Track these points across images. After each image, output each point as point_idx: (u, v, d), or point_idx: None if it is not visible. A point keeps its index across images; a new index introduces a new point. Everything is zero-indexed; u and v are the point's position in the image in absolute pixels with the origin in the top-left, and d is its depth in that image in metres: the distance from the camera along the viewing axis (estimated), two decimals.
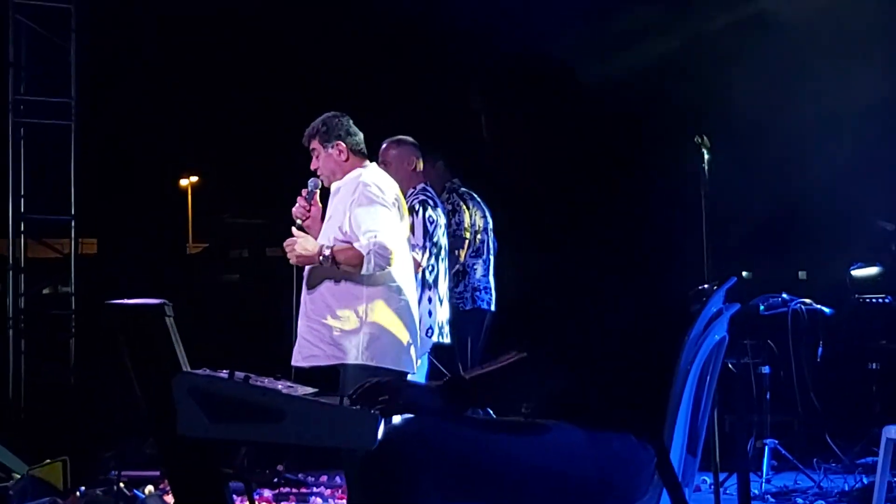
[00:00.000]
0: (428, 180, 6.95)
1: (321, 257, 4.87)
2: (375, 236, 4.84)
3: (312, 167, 5.22)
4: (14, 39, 9.50)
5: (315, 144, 5.20)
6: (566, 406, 2.75)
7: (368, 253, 4.80)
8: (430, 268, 6.36)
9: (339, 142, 5.16)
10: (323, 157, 5.18)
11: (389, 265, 4.88)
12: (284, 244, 5.00)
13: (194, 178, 27.20)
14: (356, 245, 4.87)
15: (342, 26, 11.30)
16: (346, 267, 4.89)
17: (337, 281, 4.99)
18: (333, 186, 5.21)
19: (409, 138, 6.38)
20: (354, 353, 4.93)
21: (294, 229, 5.07)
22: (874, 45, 8.72)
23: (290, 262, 5.04)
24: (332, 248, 4.89)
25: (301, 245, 4.94)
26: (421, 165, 6.44)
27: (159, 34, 11.31)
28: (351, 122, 5.23)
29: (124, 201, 14.75)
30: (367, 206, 4.94)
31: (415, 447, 2.65)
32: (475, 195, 7.41)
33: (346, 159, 5.18)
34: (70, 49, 9.60)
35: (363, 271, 4.86)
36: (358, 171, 5.15)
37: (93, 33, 9.80)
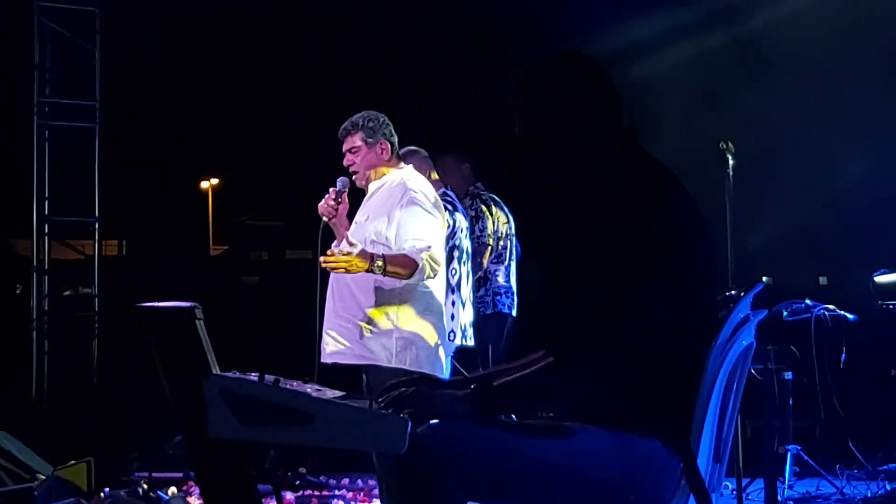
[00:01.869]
0: (451, 182, 6.99)
1: (376, 264, 4.73)
2: (430, 248, 4.82)
3: (347, 163, 5.15)
4: (39, 42, 9.58)
5: (357, 140, 5.12)
6: (593, 411, 2.75)
7: (423, 265, 4.78)
8: (453, 271, 6.37)
9: (384, 140, 5.14)
10: (364, 154, 5.12)
11: (434, 276, 4.89)
12: (334, 254, 4.75)
13: (215, 181, 27.26)
14: (408, 252, 4.81)
15: (368, 30, 11.32)
16: (394, 275, 4.82)
17: (369, 282, 4.94)
18: (371, 187, 5.18)
19: (419, 149, 6.29)
20: (386, 357, 4.92)
21: (346, 240, 4.94)
22: None
23: (337, 271, 4.81)
24: (384, 255, 4.79)
25: (355, 256, 4.70)
26: (435, 174, 6.44)
27: (183, 38, 11.35)
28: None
29: (146, 203, 14.80)
30: (415, 214, 4.91)
31: (442, 450, 2.66)
32: (498, 199, 7.42)
33: (389, 159, 5.17)
34: (95, 52, 9.66)
35: (412, 280, 4.84)
36: (398, 173, 5.13)
37: (117, 36, 9.86)
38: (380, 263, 4.73)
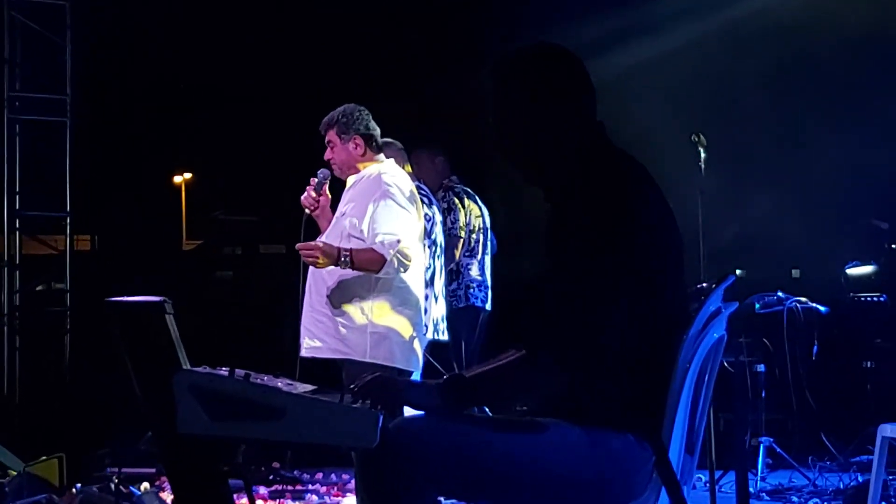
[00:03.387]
0: (424, 176, 6.98)
1: (341, 260, 4.79)
2: (399, 241, 4.83)
3: (326, 157, 5.18)
4: (9, 36, 9.51)
5: (332, 135, 5.16)
6: (565, 405, 2.75)
7: (391, 259, 4.80)
8: (428, 265, 6.36)
9: (357, 136, 5.14)
10: (339, 149, 5.15)
11: (406, 271, 4.89)
12: (301, 247, 4.84)
13: (188, 175, 27.14)
14: (375, 247, 4.84)
15: (342, 23, 11.29)
16: (362, 269, 4.86)
17: (343, 277, 4.95)
18: (350, 180, 5.18)
19: (394, 140, 6.29)
20: (361, 351, 4.93)
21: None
22: (871, 46, 8.74)
23: (310, 264, 4.91)
24: (350, 251, 4.83)
25: (322, 250, 4.80)
26: (409, 167, 6.43)
27: (154, 31, 11.29)
28: (370, 116, 5.20)
29: (119, 198, 14.73)
30: (389, 208, 4.92)
31: (414, 445, 2.66)
32: (472, 192, 7.41)
33: (363, 154, 5.16)
34: (65, 46, 9.60)
35: (381, 274, 4.86)
36: (375, 167, 5.14)
37: (88, 30, 9.80)
38: (346, 258, 4.75)
